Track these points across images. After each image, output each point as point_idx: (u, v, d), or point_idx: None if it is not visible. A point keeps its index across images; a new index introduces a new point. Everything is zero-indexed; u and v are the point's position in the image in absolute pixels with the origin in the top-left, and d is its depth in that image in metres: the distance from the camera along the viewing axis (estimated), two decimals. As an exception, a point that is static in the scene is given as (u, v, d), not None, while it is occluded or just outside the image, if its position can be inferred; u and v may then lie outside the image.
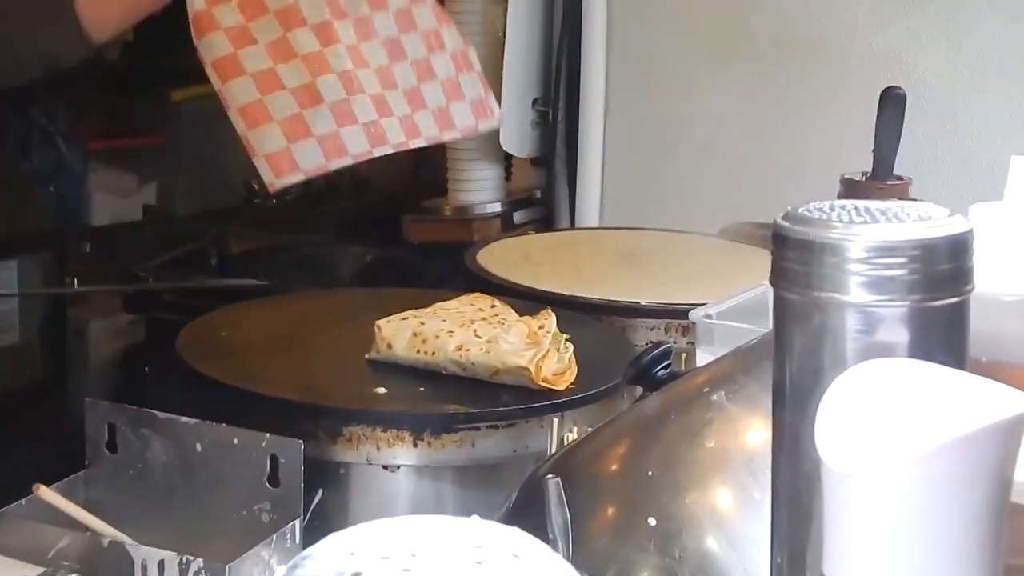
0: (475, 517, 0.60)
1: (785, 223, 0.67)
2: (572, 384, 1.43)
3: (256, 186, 2.97)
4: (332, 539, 0.59)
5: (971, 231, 0.64)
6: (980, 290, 0.66)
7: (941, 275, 0.64)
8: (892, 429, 0.58)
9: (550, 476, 0.91)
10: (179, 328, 1.60)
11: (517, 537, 0.58)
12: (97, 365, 1.59)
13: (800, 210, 0.67)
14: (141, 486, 1.31)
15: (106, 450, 1.31)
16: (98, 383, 1.70)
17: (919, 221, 0.64)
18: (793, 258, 0.66)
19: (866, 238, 0.64)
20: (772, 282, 0.68)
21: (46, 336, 1.81)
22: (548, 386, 1.41)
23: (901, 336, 0.64)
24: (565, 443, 1.14)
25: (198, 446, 1.28)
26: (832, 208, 0.67)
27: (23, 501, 1.23)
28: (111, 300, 2.55)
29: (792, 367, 0.68)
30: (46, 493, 1.24)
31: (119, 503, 1.30)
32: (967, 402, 0.59)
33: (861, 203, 0.67)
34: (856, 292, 0.64)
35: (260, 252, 2.65)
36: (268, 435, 1.25)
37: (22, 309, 1.85)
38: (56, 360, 1.43)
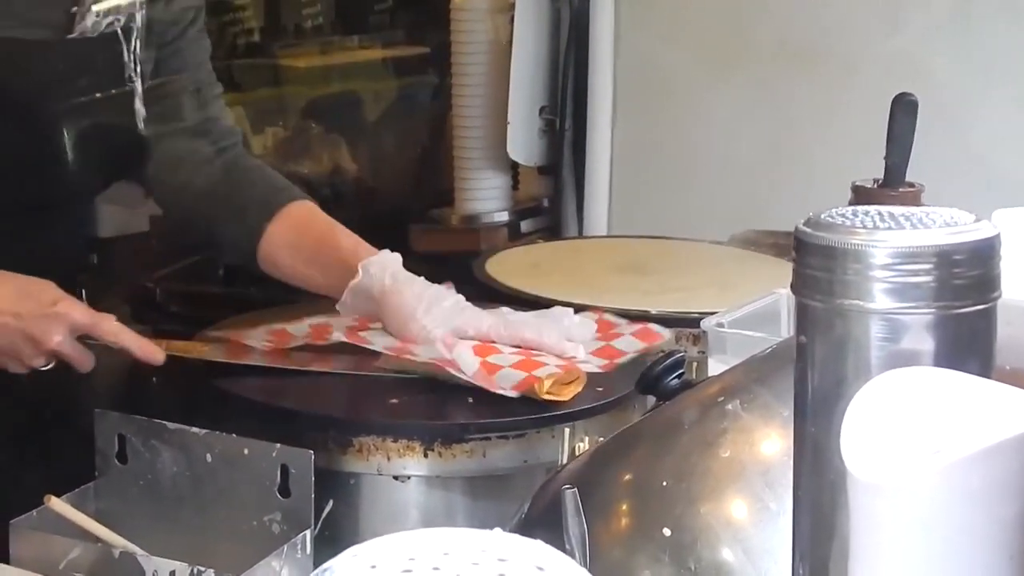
0: (497, 530, 0.59)
1: (807, 229, 0.66)
2: (577, 393, 1.42)
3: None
4: (352, 552, 0.58)
5: (998, 237, 0.63)
6: (1002, 297, 0.65)
7: (967, 282, 0.63)
8: (919, 439, 0.58)
9: (567, 487, 0.90)
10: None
11: (540, 550, 0.58)
12: (106, 376, 1.58)
13: (822, 216, 0.66)
14: (151, 497, 1.30)
15: (116, 461, 1.31)
16: (107, 394, 1.69)
17: (944, 227, 0.63)
18: (815, 265, 0.65)
19: (890, 244, 0.63)
20: (794, 289, 0.67)
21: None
22: (552, 397, 1.39)
23: (926, 344, 0.63)
24: (576, 453, 1.13)
25: (208, 457, 1.28)
26: (855, 214, 0.66)
27: (34, 512, 1.22)
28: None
29: (814, 376, 0.67)
30: (57, 504, 1.23)
31: (129, 514, 1.30)
32: (995, 411, 0.58)
33: (884, 208, 0.66)
34: (880, 299, 0.63)
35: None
36: (278, 446, 1.24)
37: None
38: (66, 371, 1.43)
